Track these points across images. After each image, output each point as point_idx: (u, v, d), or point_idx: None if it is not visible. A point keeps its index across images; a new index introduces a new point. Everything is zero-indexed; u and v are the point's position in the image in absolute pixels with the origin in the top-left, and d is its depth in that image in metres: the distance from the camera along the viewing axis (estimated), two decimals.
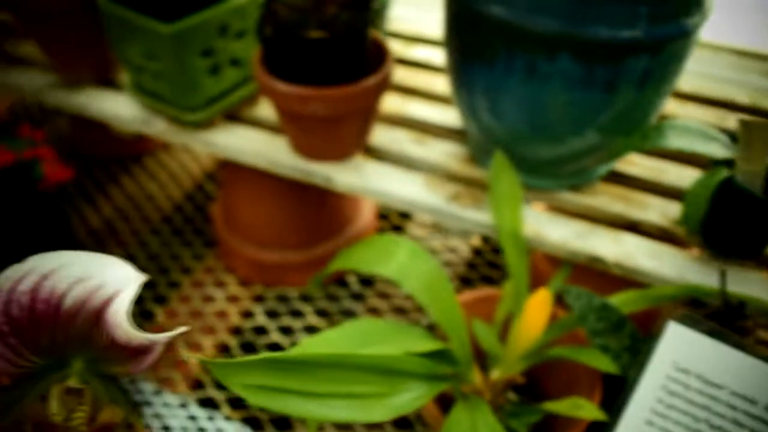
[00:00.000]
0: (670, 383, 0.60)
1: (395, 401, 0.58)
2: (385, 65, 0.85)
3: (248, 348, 1.10)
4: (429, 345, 0.68)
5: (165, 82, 0.96)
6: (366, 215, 1.22)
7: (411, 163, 0.93)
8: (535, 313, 0.73)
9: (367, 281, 1.20)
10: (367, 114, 0.87)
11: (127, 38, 0.94)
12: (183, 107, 0.97)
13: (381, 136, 0.96)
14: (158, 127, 1.01)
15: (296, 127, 0.87)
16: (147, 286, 1.17)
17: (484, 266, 1.23)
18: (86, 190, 1.43)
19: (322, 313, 1.15)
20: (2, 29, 1.28)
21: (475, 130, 0.88)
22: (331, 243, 1.16)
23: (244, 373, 0.45)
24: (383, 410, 0.56)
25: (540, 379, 0.92)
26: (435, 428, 0.85)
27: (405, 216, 1.34)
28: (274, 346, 1.10)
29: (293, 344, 1.10)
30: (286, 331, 1.13)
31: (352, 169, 0.91)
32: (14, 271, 0.37)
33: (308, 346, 0.58)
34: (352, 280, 1.20)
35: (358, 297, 1.18)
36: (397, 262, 0.73)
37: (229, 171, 1.14)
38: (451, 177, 0.91)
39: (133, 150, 1.54)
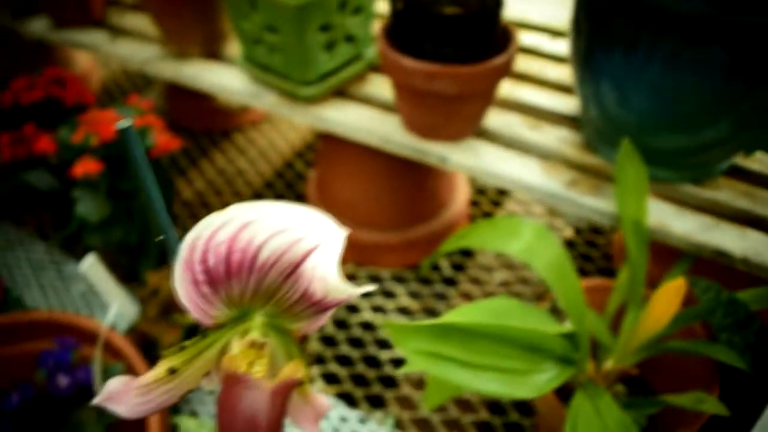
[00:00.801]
0: None
1: (536, 380, 0.58)
2: (511, 46, 0.84)
3: (341, 325, 1.11)
4: (558, 327, 0.67)
5: (281, 56, 0.96)
6: (460, 201, 1.21)
7: (525, 148, 0.92)
8: (665, 303, 0.71)
9: (459, 266, 1.20)
10: (488, 95, 0.86)
11: (247, 10, 0.95)
12: (297, 81, 0.97)
13: (494, 119, 0.96)
14: (268, 101, 1.02)
15: (416, 104, 0.87)
16: None
17: (577, 258, 1.21)
18: (178, 162, 1.46)
19: (414, 294, 1.15)
20: (108, 2, 1.31)
21: (597, 118, 0.86)
22: (425, 226, 1.16)
23: (416, 337, 0.45)
24: (527, 388, 0.56)
25: (646, 372, 0.90)
26: (545, 414, 0.84)
27: (496, 204, 1.33)
28: (366, 325, 1.11)
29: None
30: (378, 310, 1.13)
31: (468, 150, 0.90)
32: (214, 219, 0.37)
33: (462, 314, 0.58)
34: (445, 264, 1.20)
35: (450, 282, 1.17)
36: (523, 241, 0.72)
37: (328, 148, 1.14)
38: (567, 163, 0.89)
39: (224, 125, 1.56)
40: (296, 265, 0.38)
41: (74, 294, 1.18)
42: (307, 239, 0.38)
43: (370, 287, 0.40)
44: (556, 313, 0.83)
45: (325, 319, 0.42)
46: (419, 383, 1.02)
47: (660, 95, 0.76)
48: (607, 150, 0.87)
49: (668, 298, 0.71)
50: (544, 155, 0.90)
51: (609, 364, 0.81)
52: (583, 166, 0.88)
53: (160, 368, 0.42)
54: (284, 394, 0.41)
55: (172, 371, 0.42)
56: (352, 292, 0.39)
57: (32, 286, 1.20)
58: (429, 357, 0.46)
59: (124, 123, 0.32)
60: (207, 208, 1.33)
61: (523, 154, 0.90)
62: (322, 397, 0.51)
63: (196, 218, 1.33)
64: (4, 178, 1.22)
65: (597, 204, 0.83)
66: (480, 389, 0.51)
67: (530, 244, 0.72)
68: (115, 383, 0.43)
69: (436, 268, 1.19)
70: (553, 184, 0.85)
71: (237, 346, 0.43)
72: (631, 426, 0.66)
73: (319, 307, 0.40)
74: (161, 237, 0.41)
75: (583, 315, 0.74)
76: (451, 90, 0.81)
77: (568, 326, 0.75)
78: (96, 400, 0.41)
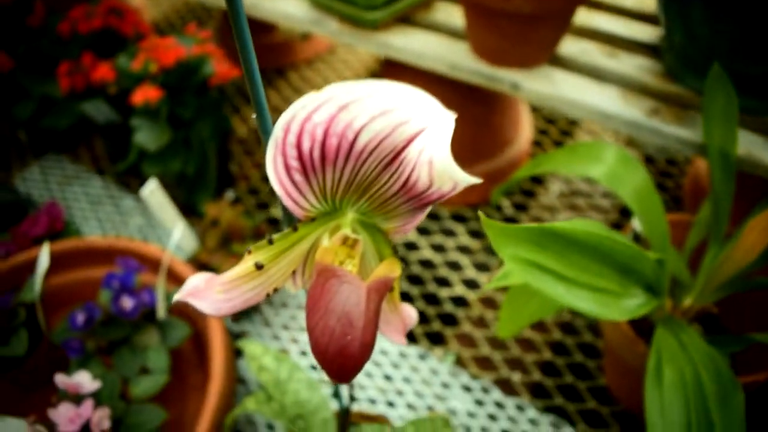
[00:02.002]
0: None
1: (627, 304, 0.54)
2: None
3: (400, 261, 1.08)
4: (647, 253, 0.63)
5: None
6: (524, 140, 1.17)
7: (602, 76, 0.87)
8: (758, 233, 0.67)
9: (521, 206, 1.16)
10: (565, 17, 0.82)
11: None
12: (361, 6, 0.94)
13: (568, 47, 0.91)
14: (330, 28, 0.99)
15: (488, 26, 0.83)
16: None
17: None
18: (232, 100, 1.44)
19: (474, 233, 1.12)
20: None
21: (682, 44, 0.81)
22: (488, 163, 1.12)
23: (515, 242, 0.42)
24: (619, 311, 0.53)
25: (722, 313, 0.86)
26: (617, 349, 0.81)
27: (558, 143, 1.28)
28: (425, 263, 1.08)
29: (445, 262, 1.08)
30: (438, 248, 1.10)
31: (542, 77, 0.86)
32: (310, 99, 0.33)
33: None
34: (506, 204, 1.17)
35: (512, 221, 1.14)
36: (606, 165, 0.69)
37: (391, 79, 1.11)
38: (647, 92, 0.84)
39: (279, 63, 1.53)
40: (398, 151, 0.35)
41: (131, 227, 1.18)
42: (413, 122, 0.34)
43: (475, 179, 0.37)
44: (638, 242, 0.80)
45: (419, 219, 0.39)
46: (480, 321, 1.00)
47: (757, 15, 0.70)
48: (692, 78, 0.82)
49: (762, 228, 0.67)
50: (623, 83, 0.86)
51: (688, 302, 0.78)
52: (665, 95, 0.84)
53: (247, 263, 0.40)
54: (380, 293, 0.38)
55: (259, 266, 0.40)
56: (463, 176, 0.34)
57: (90, 219, 1.20)
58: (527, 266, 0.44)
59: None
60: (262, 146, 1.31)
61: (601, 83, 0.86)
62: (410, 307, 0.48)
63: (251, 155, 1.32)
64: (63, 111, 1.21)
65: (681, 133, 0.78)
66: (573, 305, 0.48)
67: (614, 169, 0.68)
68: (197, 279, 0.41)
69: (498, 207, 1.16)
70: (634, 113, 0.80)
71: (329, 241, 0.40)
72: (719, 358, 0.63)
73: (418, 201, 0.37)
74: (255, 114, 0.38)
75: (666, 244, 0.71)
76: (526, 9, 0.76)
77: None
78: (177, 296, 0.39)
